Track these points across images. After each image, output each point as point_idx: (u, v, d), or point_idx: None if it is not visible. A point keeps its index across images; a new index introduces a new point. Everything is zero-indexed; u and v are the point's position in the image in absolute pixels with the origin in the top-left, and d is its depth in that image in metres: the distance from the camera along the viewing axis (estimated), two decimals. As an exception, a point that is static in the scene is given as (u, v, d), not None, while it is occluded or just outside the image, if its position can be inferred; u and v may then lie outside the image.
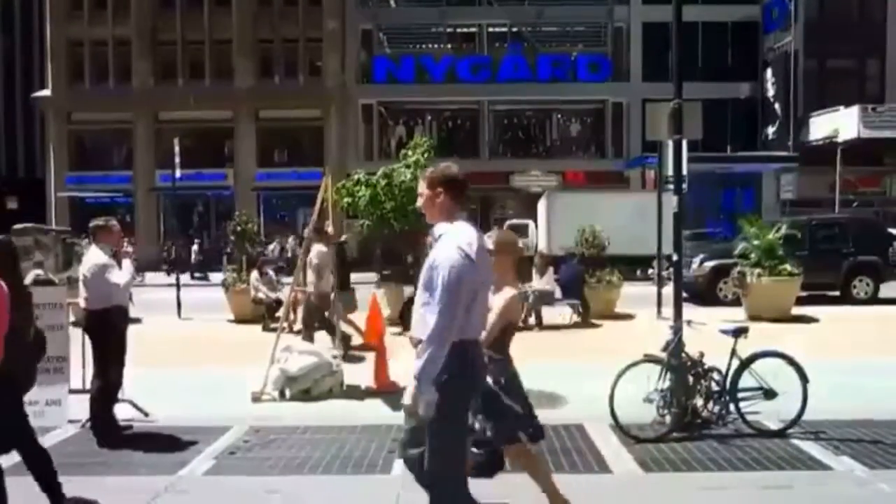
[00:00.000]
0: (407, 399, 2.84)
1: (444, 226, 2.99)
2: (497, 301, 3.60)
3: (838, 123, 27.19)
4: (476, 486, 3.47)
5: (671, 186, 8.78)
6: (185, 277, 22.84)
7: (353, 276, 12.70)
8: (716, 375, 5.51)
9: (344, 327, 9.05)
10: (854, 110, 26.73)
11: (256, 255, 14.48)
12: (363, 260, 12.44)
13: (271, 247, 27.54)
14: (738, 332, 5.49)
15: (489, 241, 3.59)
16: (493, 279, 3.56)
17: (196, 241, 27.60)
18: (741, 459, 4.90)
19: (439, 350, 2.79)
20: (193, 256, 26.68)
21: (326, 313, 8.84)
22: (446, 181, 3.03)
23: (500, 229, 3.90)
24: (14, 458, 5.11)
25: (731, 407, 5.47)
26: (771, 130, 30.59)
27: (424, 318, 2.86)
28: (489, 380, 3.59)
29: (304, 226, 25.05)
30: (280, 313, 9.62)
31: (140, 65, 32.02)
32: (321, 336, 8.78)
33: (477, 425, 3.56)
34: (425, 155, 12.29)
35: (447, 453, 2.98)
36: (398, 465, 4.86)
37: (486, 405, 3.55)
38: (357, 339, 9.48)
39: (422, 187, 3.10)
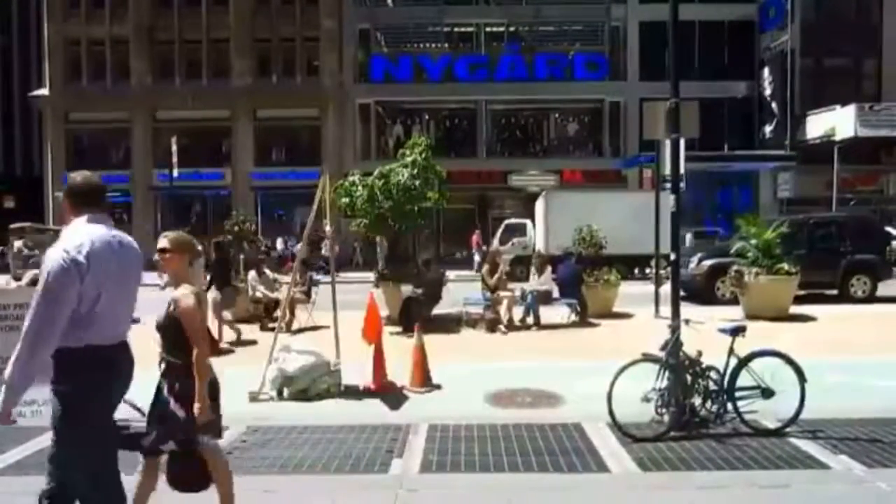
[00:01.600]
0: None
1: (65, 229, 3.06)
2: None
3: (835, 122, 27.26)
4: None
5: (669, 185, 8.80)
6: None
7: (367, 276, 12.69)
8: (714, 374, 5.51)
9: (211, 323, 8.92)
10: (851, 109, 26.76)
11: (263, 254, 14.54)
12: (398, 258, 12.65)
13: (280, 247, 27.73)
14: (736, 331, 5.48)
15: (164, 241, 3.57)
16: (171, 278, 3.59)
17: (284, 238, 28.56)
18: (739, 458, 4.90)
19: (31, 353, 2.75)
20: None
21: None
22: (66, 190, 3.14)
23: (180, 230, 3.83)
24: (10, 458, 5.12)
25: (729, 406, 5.47)
26: (768, 129, 30.65)
27: None
28: (164, 384, 3.57)
29: (301, 225, 25.02)
30: (278, 313, 9.63)
31: (138, 64, 31.98)
32: (324, 337, 8.76)
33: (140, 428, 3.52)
34: (423, 154, 12.29)
35: (77, 460, 2.93)
36: (396, 465, 4.87)
37: (152, 409, 3.56)
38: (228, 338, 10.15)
39: None
